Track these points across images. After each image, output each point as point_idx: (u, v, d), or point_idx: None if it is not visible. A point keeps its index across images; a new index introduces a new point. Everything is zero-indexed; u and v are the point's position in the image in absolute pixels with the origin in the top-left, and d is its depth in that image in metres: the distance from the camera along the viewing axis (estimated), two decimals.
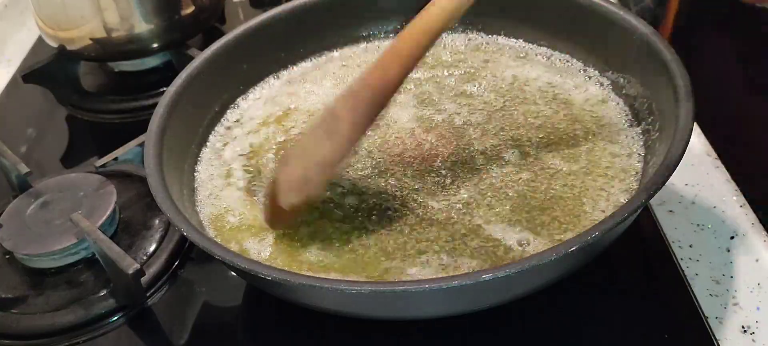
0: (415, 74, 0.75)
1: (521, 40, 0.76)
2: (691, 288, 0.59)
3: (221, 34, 0.79)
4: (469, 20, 0.78)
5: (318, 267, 0.56)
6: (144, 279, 0.63)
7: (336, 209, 0.61)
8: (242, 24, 0.76)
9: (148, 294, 0.64)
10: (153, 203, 0.57)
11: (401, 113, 0.70)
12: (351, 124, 0.55)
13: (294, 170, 0.58)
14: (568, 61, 0.73)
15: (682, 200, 0.67)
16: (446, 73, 0.74)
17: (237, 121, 0.73)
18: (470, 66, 0.75)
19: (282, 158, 0.63)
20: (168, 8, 0.87)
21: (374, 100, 0.56)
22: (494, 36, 0.78)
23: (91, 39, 0.86)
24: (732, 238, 0.63)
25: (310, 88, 0.76)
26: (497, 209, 0.58)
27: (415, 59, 0.56)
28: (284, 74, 0.77)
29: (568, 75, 0.71)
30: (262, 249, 0.59)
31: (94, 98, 0.92)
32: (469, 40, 0.78)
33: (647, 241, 0.64)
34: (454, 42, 0.78)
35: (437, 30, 0.56)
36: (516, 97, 0.70)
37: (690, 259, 0.62)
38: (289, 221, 0.59)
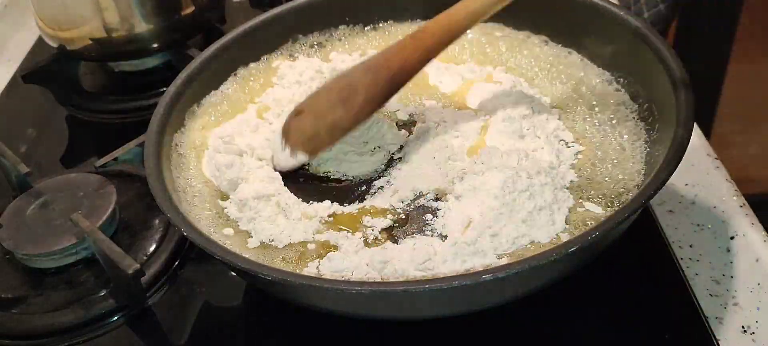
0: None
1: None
2: (691, 288, 0.59)
3: (221, 34, 0.79)
4: None
5: None
6: (144, 279, 0.63)
7: None
8: (242, 24, 0.76)
9: (148, 294, 0.64)
10: (153, 203, 0.57)
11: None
12: (366, 99, 0.61)
13: (305, 125, 0.64)
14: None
15: (682, 200, 0.67)
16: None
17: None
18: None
19: (296, 109, 0.66)
20: (168, 8, 0.87)
21: (391, 83, 0.61)
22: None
23: (91, 39, 0.86)
24: (732, 238, 0.63)
25: (310, 88, 0.76)
26: None
27: (435, 53, 0.61)
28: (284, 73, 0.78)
29: None
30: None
31: (94, 98, 0.92)
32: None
33: (647, 241, 0.64)
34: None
35: (461, 29, 0.60)
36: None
37: (690, 259, 0.62)
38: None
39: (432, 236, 0.58)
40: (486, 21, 0.76)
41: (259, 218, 0.60)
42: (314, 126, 0.63)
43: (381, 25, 0.80)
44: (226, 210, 0.62)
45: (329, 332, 0.59)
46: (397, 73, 0.61)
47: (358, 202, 0.62)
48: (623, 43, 0.67)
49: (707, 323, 0.57)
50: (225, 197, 0.63)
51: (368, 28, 0.80)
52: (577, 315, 0.59)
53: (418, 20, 0.79)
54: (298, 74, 0.75)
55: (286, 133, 0.64)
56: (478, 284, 0.47)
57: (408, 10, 0.79)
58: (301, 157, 0.64)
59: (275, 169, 0.65)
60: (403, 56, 0.61)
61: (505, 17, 0.76)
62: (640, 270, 0.62)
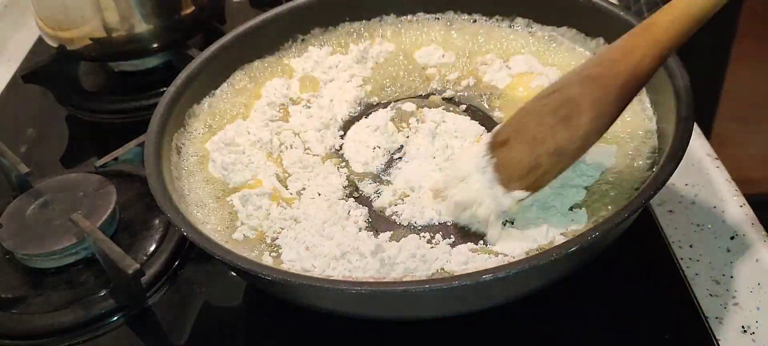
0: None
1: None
2: (691, 288, 0.59)
3: (221, 34, 0.79)
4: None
5: None
6: (144, 279, 0.63)
7: None
8: (242, 24, 0.76)
9: (148, 294, 0.64)
10: (153, 203, 0.57)
11: None
12: (594, 116, 0.50)
13: (518, 155, 0.53)
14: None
15: (682, 200, 0.67)
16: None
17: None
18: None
19: (496, 139, 0.56)
20: (168, 8, 0.87)
21: (623, 92, 0.50)
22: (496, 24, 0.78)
23: (91, 39, 0.86)
24: (732, 238, 0.63)
25: (313, 86, 0.76)
26: None
27: (674, 46, 0.50)
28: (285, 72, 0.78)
29: None
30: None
31: (94, 98, 0.92)
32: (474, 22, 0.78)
33: (647, 241, 0.63)
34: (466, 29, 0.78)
35: (703, 15, 0.49)
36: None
37: (690, 259, 0.62)
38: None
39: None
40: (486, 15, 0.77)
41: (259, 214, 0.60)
42: (531, 155, 0.52)
43: (382, 21, 0.80)
44: (230, 201, 0.62)
45: (329, 332, 0.59)
46: (629, 81, 0.50)
47: (357, 202, 0.62)
48: None
49: (707, 323, 0.57)
50: (229, 193, 0.63)
51: (370, 25, 0.80)
52: (577, 315, 0.59)
53: (420, 13, 0.79)
54: (300, 71, 0.76)
55: (498, 167, 0.54)
56: (478, 284, 0.47)
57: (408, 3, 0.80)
58: (519, 194, 0.53)
59: (482, 225, 0.55)
60: (634, 57, 0.50)
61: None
62: (640, 270, 0.62)
